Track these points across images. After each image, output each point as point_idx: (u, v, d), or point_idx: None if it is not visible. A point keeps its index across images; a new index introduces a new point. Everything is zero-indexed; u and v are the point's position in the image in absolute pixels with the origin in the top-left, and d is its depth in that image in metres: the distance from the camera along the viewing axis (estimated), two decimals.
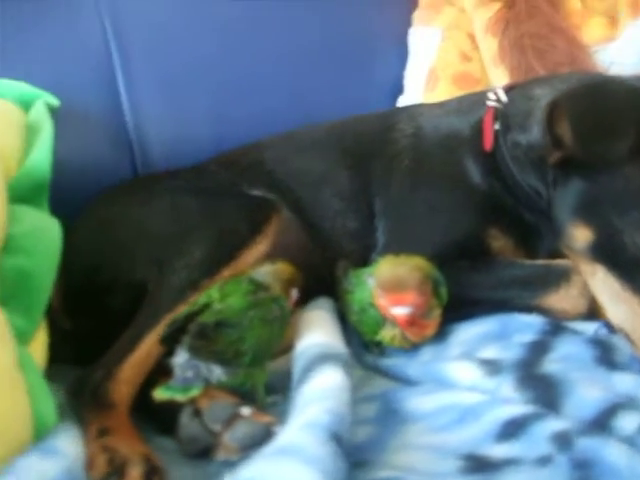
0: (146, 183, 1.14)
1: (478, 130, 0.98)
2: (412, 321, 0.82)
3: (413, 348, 0.87)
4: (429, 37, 1.40)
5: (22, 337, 0.71)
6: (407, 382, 0.82)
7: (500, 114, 0.97)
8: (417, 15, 1.46)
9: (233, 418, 0.69)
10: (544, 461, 0.63)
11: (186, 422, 0.71)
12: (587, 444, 0.61)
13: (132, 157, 1.29)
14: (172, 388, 0.72)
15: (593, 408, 0.66)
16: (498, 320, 0.88)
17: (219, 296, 0.79)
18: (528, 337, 0.83)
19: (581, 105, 0.81)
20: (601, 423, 0.65)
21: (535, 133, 0.89)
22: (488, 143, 0.95)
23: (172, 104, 1.31)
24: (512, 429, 0.67)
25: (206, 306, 0.78)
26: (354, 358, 0.89)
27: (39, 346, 0.76)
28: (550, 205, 0.88)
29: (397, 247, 0.93)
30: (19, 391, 0.64)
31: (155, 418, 0.76)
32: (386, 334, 0.86)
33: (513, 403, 0.70)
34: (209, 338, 0.73)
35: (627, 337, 0.77)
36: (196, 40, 1.33)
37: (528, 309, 0.88)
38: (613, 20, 1.14)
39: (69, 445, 0.65)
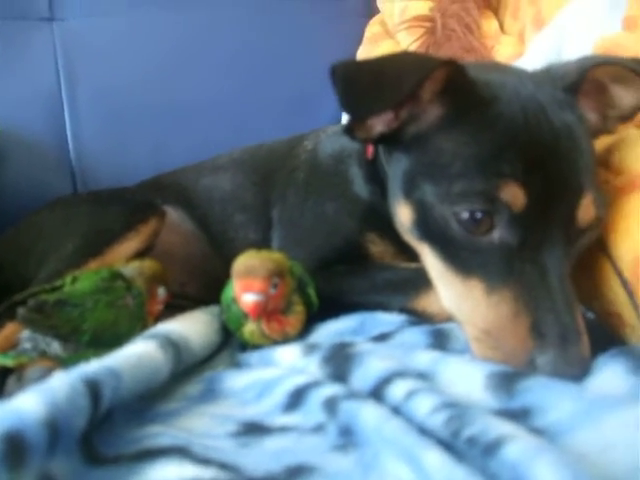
0: (67, 199, 1.23)
1: None
2: (261, 310, 0.82)
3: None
4: None
5: None
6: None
7: None
8: (360, 52, 1.53)
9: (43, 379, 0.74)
10: (317, 429, 0.64)
11: (9, 385, 0.76)
12: (347, 408, 0.61)
13: (74, 184, 1.42)
14: (6, 355, 0.78)
15: (373, 378, 0.65)
16: (359, 317, 0.87)
17: (71, 280, 0.85)
18: (379, 331, 0.83)
19: (356, 64, 0.78)
20: (376, 392, 0.64)
21: None
22: (369, 151, 0.96)
23: (113, 137, 1.44)
24: (295, 399, 0.68)
25: (57, 288, 0.84)
26: (229, 358, 0.91)
27: None
28: None
29: (284, 253, 0.96)
30: None
31: None
32: (246, 329, 0.87)
33: (303, 374, 0.71)
34: (46, 313, 0.79)
35: (456, 321, 0.74)
36: (140, 77, 1.46)
37: (404, 312, 0.86)
38: (522, 37, 1.14)
39: None
